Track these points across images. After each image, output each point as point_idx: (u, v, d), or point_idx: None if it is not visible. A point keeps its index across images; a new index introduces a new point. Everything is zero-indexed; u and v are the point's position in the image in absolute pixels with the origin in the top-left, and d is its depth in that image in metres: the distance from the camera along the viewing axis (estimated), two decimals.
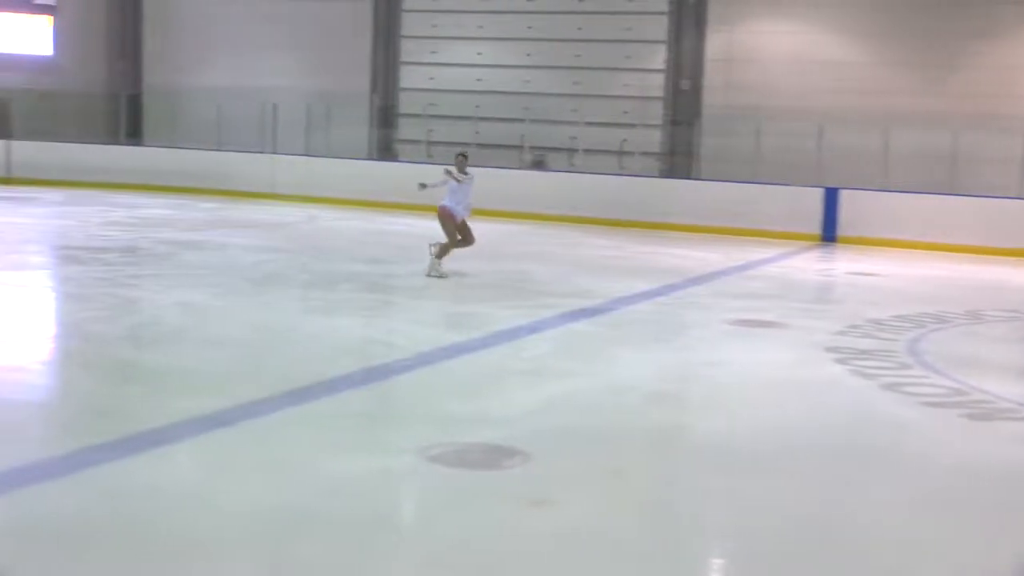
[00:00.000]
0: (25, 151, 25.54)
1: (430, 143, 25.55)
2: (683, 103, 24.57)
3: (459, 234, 13.25)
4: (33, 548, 4.54)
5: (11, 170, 25.35)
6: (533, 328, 10.04)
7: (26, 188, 24.06)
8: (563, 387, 7.82)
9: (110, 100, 28.53)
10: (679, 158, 24.20)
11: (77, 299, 10.77)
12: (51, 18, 28.58)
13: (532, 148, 23.79)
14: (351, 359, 8.54)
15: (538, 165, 23.76)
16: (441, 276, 12.89)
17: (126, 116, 27.87)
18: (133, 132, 28.31)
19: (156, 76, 29.10)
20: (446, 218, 13.21)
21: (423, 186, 13.41)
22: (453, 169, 13.28)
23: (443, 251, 13.15)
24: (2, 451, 5.84)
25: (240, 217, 20.10)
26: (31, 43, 28.52)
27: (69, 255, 14.03)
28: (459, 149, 14.62)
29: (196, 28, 28.78)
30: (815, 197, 20.32)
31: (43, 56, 28.53)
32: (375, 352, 8.93)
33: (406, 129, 26.49)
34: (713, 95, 24.37)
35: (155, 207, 21.22)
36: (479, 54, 26.42)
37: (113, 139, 27.42)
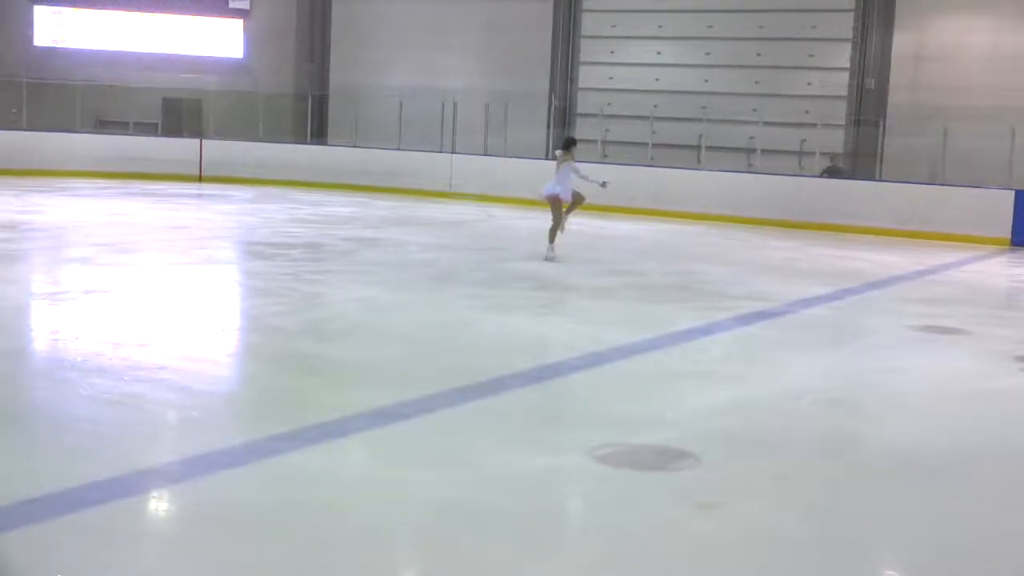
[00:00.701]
0: (217, 150, 26.58)
1: (606, 143, 25.54)
2: (868, 102, 23.92)
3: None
4: (214, 533, 4.73)
5: (203, 168, 26.43)
6: (707, 330, 9.94)
7: (217, 185, 25.04)
8: (736, 391, 7.72)
9: (298, 101, 29.45)
10: (862, 159, 23.57)
11: (262, 293, 11.15)
12: (243, 22, 29.66)
13: (825, 154, 22.84)
14: (525, 357, 8.59)
15: (834, 173, 22.70)
16: (551, 259, 14.13)
17: (312, 116, 28.74)
18: (319, 132, 29.18)
19: (341, 77, 29.92)
20: (554, 201, 14.44)
21: (604, 184, 14.54)
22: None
23: (552, 232, 14.43)
24: (186, 439, 6.10)
25: (418, 215, 20.48)
26: (224, 46, 29.68)
27: (255, 251, 14.54)
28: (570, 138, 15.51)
29: (380, 31, 29.46)
30: (1006, 199, 19.53)
31: (235, 58, 29.66)
32: (549, 350, 8.97)
33: (583, 129, 26.53)
34: (899, 94, 23.67)
35: (337, 205, 21.80)
36: (658, 53, 26.29)
37: (300, 139, 28.31)
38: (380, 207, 21.82)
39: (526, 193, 23.11)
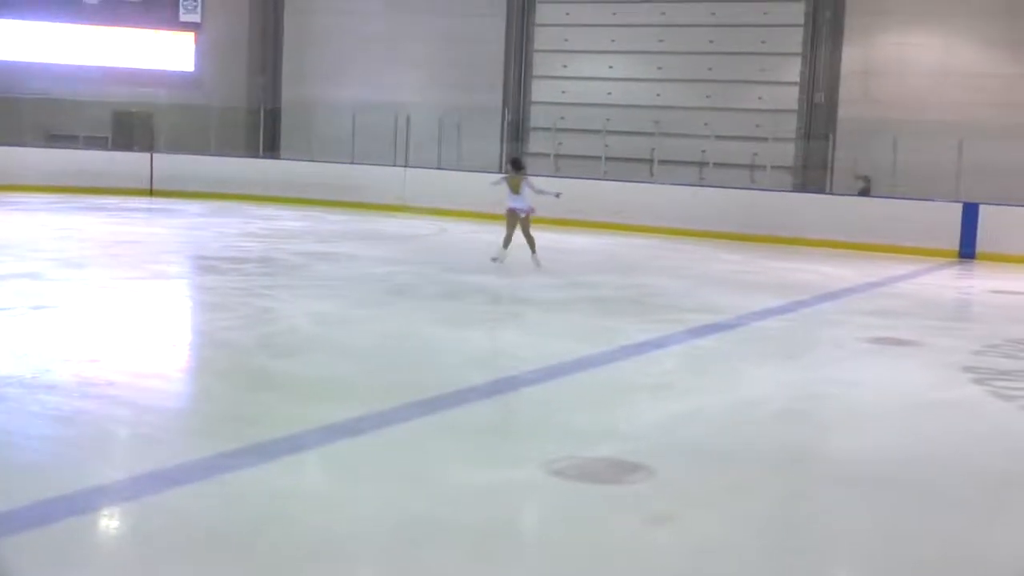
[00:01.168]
0: (167, 164, 26.38)
1: (559, 156, 25.63)
2: (818, 116, 24.18)
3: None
4: (167, 551, 4.68)
5: (154, 182, 26.23)
6: (661, 343, 9.97)
7: (167, 200, 24.84)
8: (689, 403, 7.75)
9: (250, 114, 29.32)
10: (812, 172, 23.81)
11: (214, 308, 11.07)
12: (194, 35, 29.47)
13: (860, 177, 22.48)
14: (480, 371, 8.59)
15: (864, 191, 22.30)
16: (500, 261, 15.10)
17: (264, 130, 28.62)
18: (271, 146, 29.07)
19: (294, 91, 29.83)
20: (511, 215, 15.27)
21: (558, 195, 15.33)
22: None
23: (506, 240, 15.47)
24: (138, 456, 6.03)
25: (372, 229, 20.43)
26: (175, 59, 29.44)
27: (207, 265, 14.43)
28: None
29: (332, 44, 29.40)
30: (954, 212, 19.79)
31: (186, 72, 29.42)
32: (503, 364, 8.97)
33: (536, 143, 26.64)
34: (849, 108, 23.95)
35: (290, 219, 21.70)
36: (610, 67, 26.43)
37: (252, 152, 28.17)
38: (333, 221, 21.74)
39: (480, 206, 23.16)
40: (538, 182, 15.62)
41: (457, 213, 23.29)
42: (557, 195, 15.24)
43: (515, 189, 15.25)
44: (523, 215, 15.25)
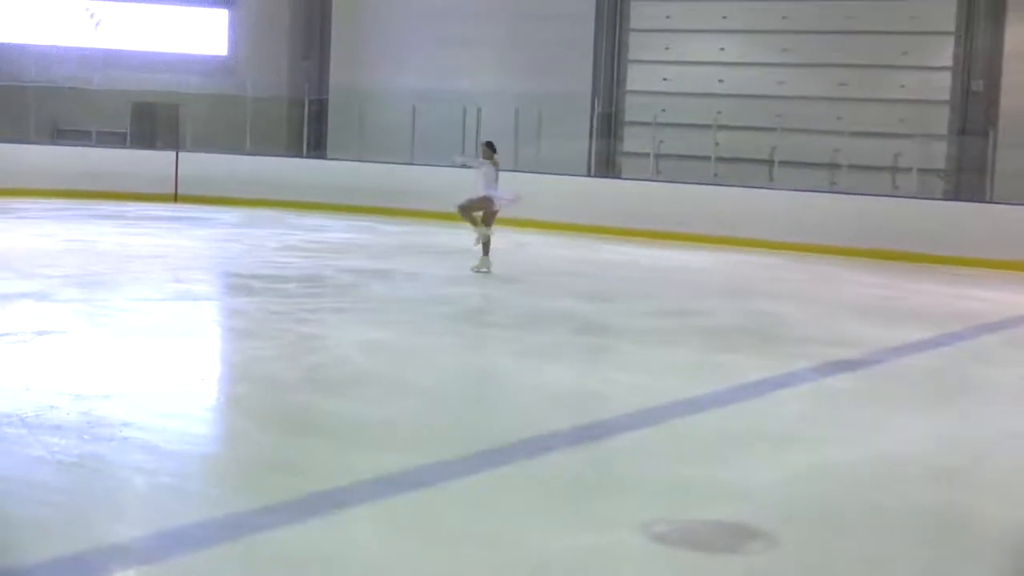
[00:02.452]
0: (195, 165, 26.73)
1: (659, 156, 25.56)
2: (974, 108, 23.85)
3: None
4: None
5: (179, 186, 26.59)
6: (784, 382, 9.87)
7: (194, 207, 25.18)
8: (819, 456, 7.64)
9: (292, 107, 29.65)
10: (969, 175, 23.46)
11: (248, 335, 11.16)
12: (228, 13, 29.89)
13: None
14: (563, 413, 8.55)
15: None
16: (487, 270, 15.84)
17: (309, 125, 28.90)
18: (316, 143, 29.34)
19: (343, 79, 30.05)
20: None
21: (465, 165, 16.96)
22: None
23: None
24: (158, 510, 6.07)
25: (436, 242, 20.51)
26: (205, 42, 29.91)
27: (240, 284, 14.58)
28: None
29: (390, 23, 29.64)
30: None
31: (217, 56, 29.86)
32: (592, 406, 8.92)
33: (632, 140, 26.59)
34: (1013, 98, 23.56)
35: (339, 230, 21.87)
36: (722, 50, 26.33)
37: (294, 151, 28.48)
38: (389, 232, 21.86)
39: (563, 215, 23.15)
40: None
41: (537, 224, 23.29)
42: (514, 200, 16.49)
43: (495, 177, 16.23)
44: (501, 206, 16.21)
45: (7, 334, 10.63)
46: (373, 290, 14.42)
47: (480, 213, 16.15)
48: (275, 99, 29.64)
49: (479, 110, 26.36)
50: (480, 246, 16.12)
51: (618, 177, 26.02)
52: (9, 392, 8.36)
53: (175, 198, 26.41)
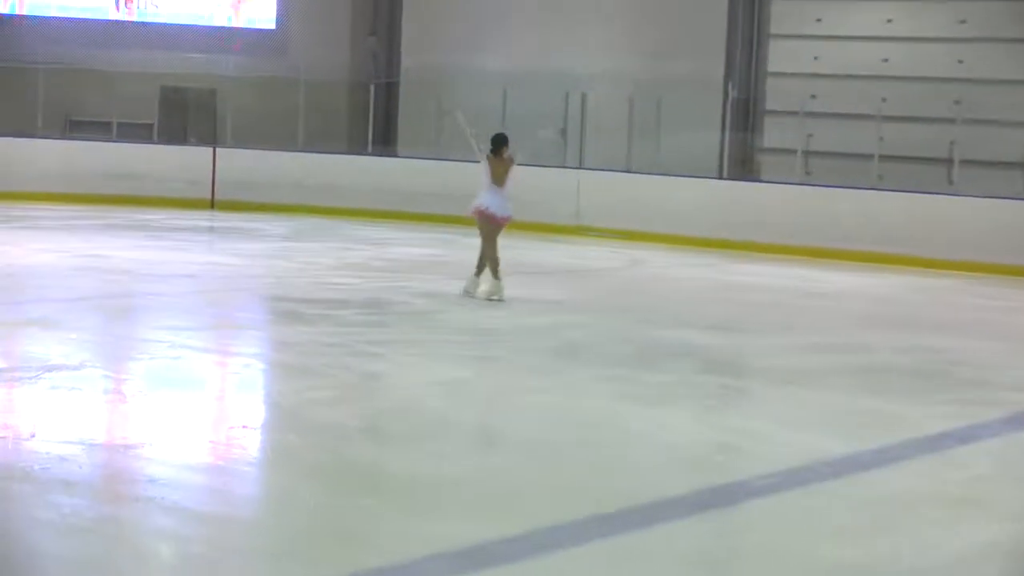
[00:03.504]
0: (235, 163, 26.95)
1: (809, 154, 25.38)
2: None
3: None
4: None
5: (216, 190, 26.84)
6: (963, 436, 9.75)
7: (235, 215, 25.41)
8: (1010, 529, 7.55)
9: (354, 93, 29.85)
10: None
11: (298, 374, 11.21)
12: None
13: None
14: (686, 473, 8.51)
15: None
16: (499, 298, 15.26)
17: (375, 115, 29.01)
18: (384, 137, 29.48)
19: (417, 59, 30.17)
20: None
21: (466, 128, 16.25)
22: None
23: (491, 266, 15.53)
24: None
25: (531, 260, 20.52)
26: (248, 13, 30.18)
27: (289, 311, 14.66)
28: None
29: None
30: None
31: (264, 31, 30.12)
32: (720, 463, 8.87)
33: (774, 133, 26.43)
34: None
35: (411, 244, 22.00)
36: (888, 21, 26.13)
37: (357, 147, 28.64)
38: (473, 247, 21.88)
39: (689, 227, 23.08)
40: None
41: (655, 237, 23.27)
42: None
43: (498, 179, 15.58)
44: (504, 222, 15.78)
45: (10, 370, 10.78)
46: (452, 319, 14.44)
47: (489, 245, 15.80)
48: (333, 83, 29.81)
49: (584, 96, 26.39)
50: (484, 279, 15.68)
51: (756, 179, 25.86)
52: (12, 440, 8.43)
53: (211, 204, 26.68)
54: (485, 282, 15.47)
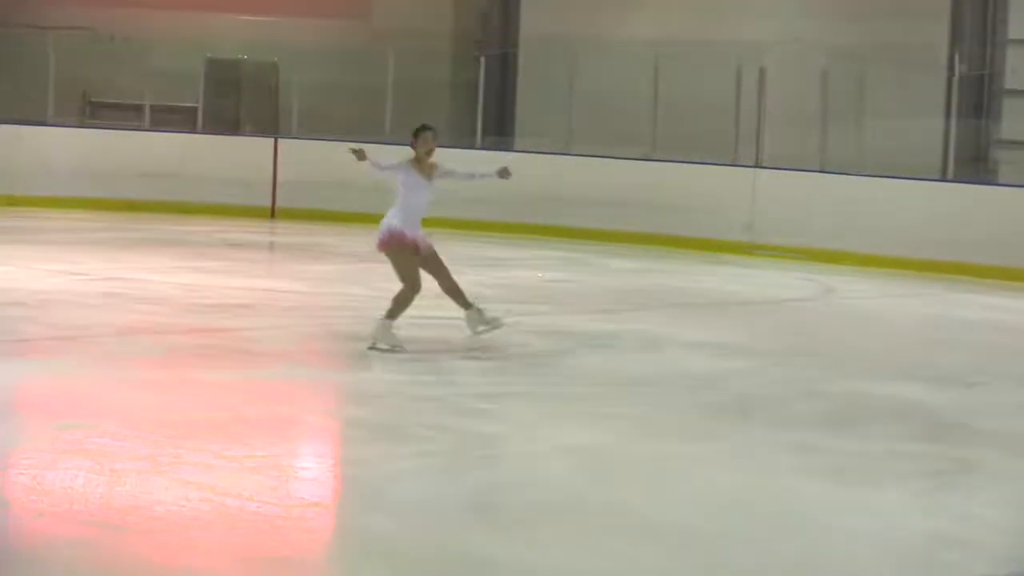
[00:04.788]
0: (303, 160, 27.03)
1: None
2: None
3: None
4: None
5: (278, 194, 26.91)
6: None
7: (301, 226, 25.56)
8: None
9: (458, 67, 29.94)
10: None
11: (385, 435, 11.23)
12: None
13: None
14: (902, 571, 8.44)
15: None
16: (395, 348, 14.24)
17: (486, 96, 29.03)
18: (498, 126, 29.52)
19: (540, 23, 30.18)
20: (400, 248, 14.69)
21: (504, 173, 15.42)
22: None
23: (400, 304, 14.59)
24: None
25: (687, 287, 20.51)
26: None
27: (372, 352, 14.70)
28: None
29: None
30: None
31: None
32: (945, 561, 8.79)
33: (1016, 120, 26.13)
34: None
35: (532, 265, 22.05)
36: None
37: (462, 138, 28.65)
38: (613, 270, 21.91)
39: (897, 247, 22.88)
40: (459, 162, 15.82)
41: (855, 258, 23.13)
42: (503, 174, 15.29)
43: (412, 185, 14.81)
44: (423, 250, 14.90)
45: (20, 432, 10.90)
46: (584, 365, 14.43)
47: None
48: (431, 56, 29.91)
49: (762, 71, 26.28)
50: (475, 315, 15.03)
51: (991, 181, 25.63)
52: (15, 520, 8.50)
53: (271, 213, 26.86)
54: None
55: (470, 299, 14.90)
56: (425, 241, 14.88)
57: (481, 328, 14.72)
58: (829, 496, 9.98)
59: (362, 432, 11.60)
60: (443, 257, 14.85)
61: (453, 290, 14.93)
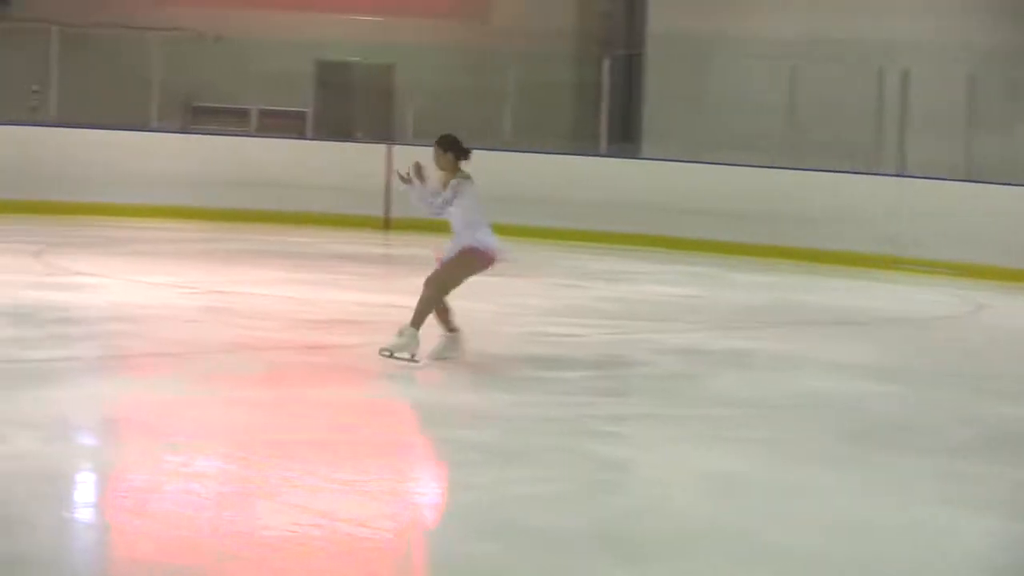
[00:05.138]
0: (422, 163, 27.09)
1: None
2: None
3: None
4: None
5: (393, 204, 26.95)
6: None
7: (418, 238, 25.54)
8: None
9: (581, 68, 29.93)
10: None
11: (503, 459, 11.19)
12: None
13: None
14: None
15: None
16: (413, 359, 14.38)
17: (612, 100, 29.01)
18: (624, 131, 29.48)
19: (670, 22, 30.12)
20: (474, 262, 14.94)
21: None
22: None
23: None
24: None
25: (825, 303, 20.42)
26: None
27: (489, 372, 14.72)
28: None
29: None
30: None
31: None
32: None
33: None
34: None
35: (660, 280, 22.03)
36: None
37: (584, 144, 28.65)
38: (744, 285, 21.83)
39: None
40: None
41: (1007, 273, 22.94)
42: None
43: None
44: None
45: (115, 468, 10.95)
46: (715, 386, 14.35)
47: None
48: (553, 57, 29.93)
49: (906, 73, 26.16)
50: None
51: None
52: (124, 547, 8.60)
53: (385, 224, 26.92)
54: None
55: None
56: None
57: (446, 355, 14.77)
58: (983, 530, 9.86)
59: (480, 455, 11.56)
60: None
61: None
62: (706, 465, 11.00)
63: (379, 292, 19.98)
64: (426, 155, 26.99)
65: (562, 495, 10.02)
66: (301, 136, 29.00)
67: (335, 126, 29.33)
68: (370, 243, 25.11)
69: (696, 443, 11.79)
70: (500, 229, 25.72)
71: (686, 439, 11.94)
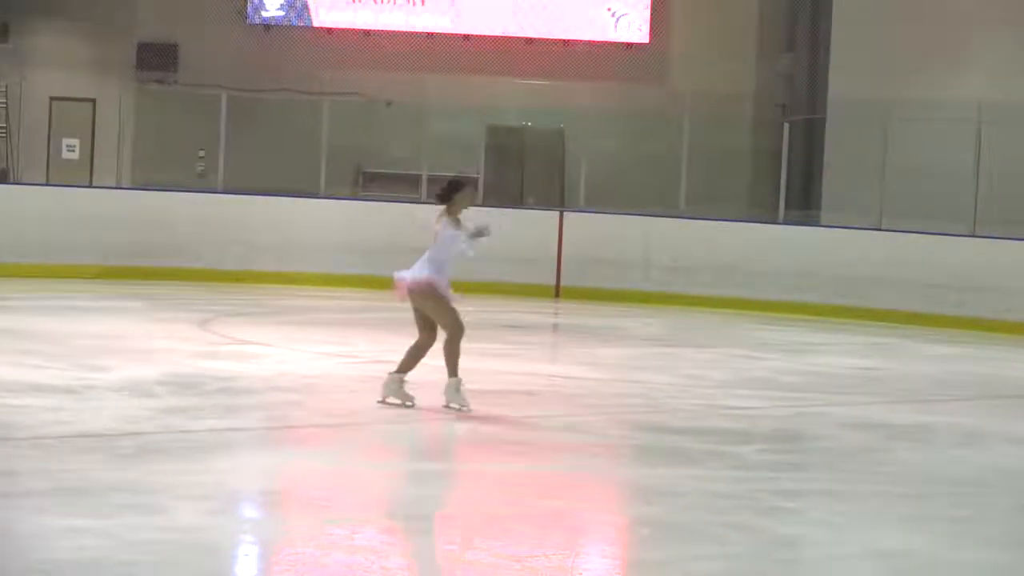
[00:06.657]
0: (592, 234, 27.06)
1: None
2: None
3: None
4: None
5: (564, 272, 26.95)
6: None
7: (590, 307, 25.58)
8: None
9: (759, 133, 29.89)
10: None
11: (679, 536, 11.15)
12: None
13: None
14: None
15: None
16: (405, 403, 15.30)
17: (791, 166, 28.90)
18: (803, 198, 29.37)
19: (849, 87, 30.00)
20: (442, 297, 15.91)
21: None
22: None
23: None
24: None
25: (1013, 376, 20.23)
26: (608, 25, 30.53)
27: (665, 445, 14.67)
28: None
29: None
30: None
31: (633, 45, 30.39)
32: None
33: None
34: None
35: (840, 351, 21.95)
36: None
37: (762, 211, 28.58)
38: (928, 357, 21.68)
39: None
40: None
41: None
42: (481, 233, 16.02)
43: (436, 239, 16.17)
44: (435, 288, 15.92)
45: (278, 540, 11.01)
46: (896, 460, 14.25)
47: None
48: (730, 121, 29.92)
49: None
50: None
51: None
52: None
53: (555, 292, 26.92)
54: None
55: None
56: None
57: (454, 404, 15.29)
58: None
59: (652, 531, 11.53)
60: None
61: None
62: (886, 543, 10.90)
63: (549, 362, 20.01)
64: (599, 222, 27.21)
65: (737, 573, 9.98)
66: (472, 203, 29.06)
67: (506, 192, 29.41)
68: (540, 312, 25.14)
69: (874, 520, 11.70)
70: (678, 299, 25.87)
71: (864, 516, 11.85)
